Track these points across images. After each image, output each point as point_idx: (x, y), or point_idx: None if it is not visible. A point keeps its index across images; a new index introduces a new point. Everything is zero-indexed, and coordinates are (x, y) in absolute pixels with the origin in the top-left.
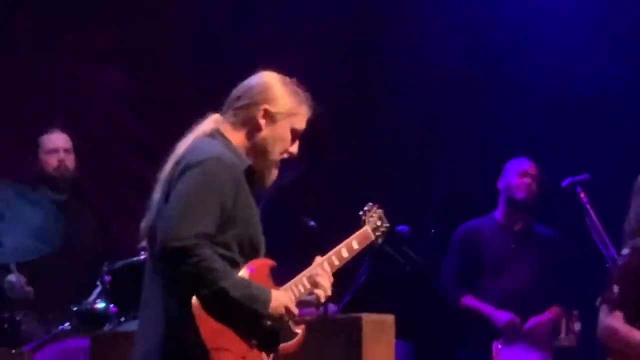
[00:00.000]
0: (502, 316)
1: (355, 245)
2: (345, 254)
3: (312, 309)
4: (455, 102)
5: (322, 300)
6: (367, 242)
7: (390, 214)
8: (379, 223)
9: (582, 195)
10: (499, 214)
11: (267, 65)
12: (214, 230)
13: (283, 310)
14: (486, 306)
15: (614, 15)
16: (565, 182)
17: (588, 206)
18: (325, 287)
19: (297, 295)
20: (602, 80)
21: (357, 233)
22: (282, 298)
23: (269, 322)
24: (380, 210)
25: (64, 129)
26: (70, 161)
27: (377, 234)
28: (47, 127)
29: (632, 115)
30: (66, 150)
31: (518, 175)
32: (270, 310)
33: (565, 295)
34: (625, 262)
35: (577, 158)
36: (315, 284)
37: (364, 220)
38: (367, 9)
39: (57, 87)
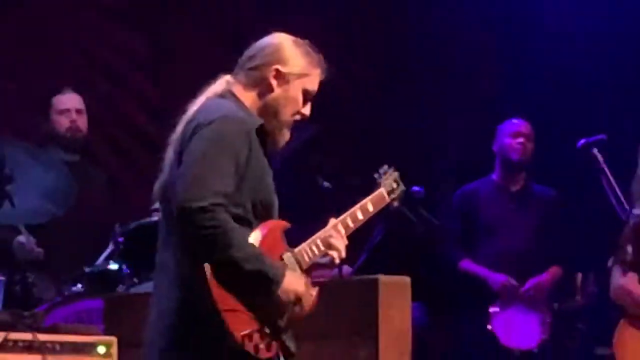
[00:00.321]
0: (497, 278)
1: (370, 208)
2: (360, 216)
3: (327, 271)
4: (471, 66)
5: (337, 262)
6: (382, 204)
7: (405, 176)
8: (394, 186)
9: (598, 155)
10: (496, 175)
11: (283, 26)
12: (231, 189)
13: (292, 297)
14: (482, 269)
15: None
16: (580, 143)
17: (604, 166)
18: (339, 249)
19: (311, 257)
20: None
21: (372, 195)
22: (295, 284)
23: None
24: (395, 173)
25: (76, 89)
26: (82, 122)
27: (392, 196)
28: (59, 88)
29: None
30: (78, 111)
31: (511, 136)
32: (279, 292)
33: (565, 256)
34: (637, 222)
35: (592, 119)
36: (329, 246)
37: (379, 182)
38: None
39: (68, 46)
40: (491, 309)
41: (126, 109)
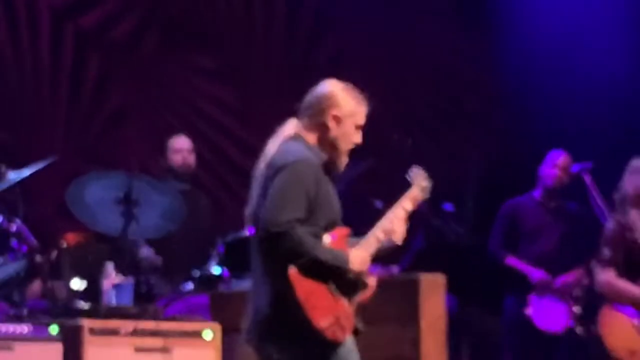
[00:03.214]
0: (536, 274)
1: (408, 206)
2: (401, 213)
3: (379, 269)
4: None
5: (399, 242)
6: (417, 200)
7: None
8: (423, 183)
9: (586, 178)
10: (537, 193)
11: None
12: (303, 215)
13: (360, 264)
14: (524, 265)
15: None
16: (574, 169)
17: (591, 187)
18: (399, 231)
19: (376, 245)
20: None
21: (407, 194)
22: (358, 256)
23: (350, 275)
24: (422, 172)
25: (186, 134)
26: (191, 159)
27: (424, 192)
28: (173, 132)
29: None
30: (188, 151)
31: (551, 167)
32: (351, 265)
33: (584, 260)
34: (611, 227)
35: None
36: (390, 232)
37: (411, 182)
38: None
39: (177, 100)
40: (530, 297)
41: (224, 148)
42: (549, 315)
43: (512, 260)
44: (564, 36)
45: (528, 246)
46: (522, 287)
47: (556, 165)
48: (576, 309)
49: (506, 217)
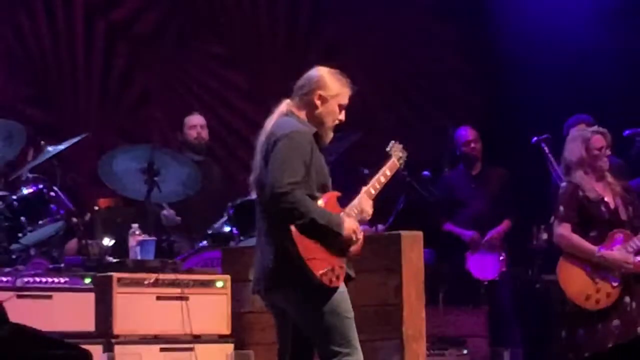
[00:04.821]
0: (467, 234)
1: (388, 172)
2: (382, 179)
3: (367, 226)
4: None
5: (368, 219)
6: (395, 168)
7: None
8: (400, 154)
9: (545, 147)
10: (461, 166)
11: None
12: (301, 178)
13: (352, 232)
14: (458, 228)
15: None
16: (533, 140)
17: (549, 155)
18: (367, 211)
19: (354, 215)
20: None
21: (387, 164)
22: (352, 223)
23: (341, 238)
24: (400, 145)
25: (200, 112)
26: (205, 133)
27: (401, 162)
28: (189, 111)
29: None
30: (202, 126)
31: (460, 145)
32: (344, 232)
33: (513, 213)
34: (563, 190)
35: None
36: (361, 211)
37: (390, 153)
38: None
39: (193, 82)
40: (467, 254)
41: (234, 124)
42: (482, 266)
43: (448, 226)
44: (549, 29)
45: (462, 211)
46: (461, 246)
47: (463, 143)
48: (503, 256)
49: (441, 189)
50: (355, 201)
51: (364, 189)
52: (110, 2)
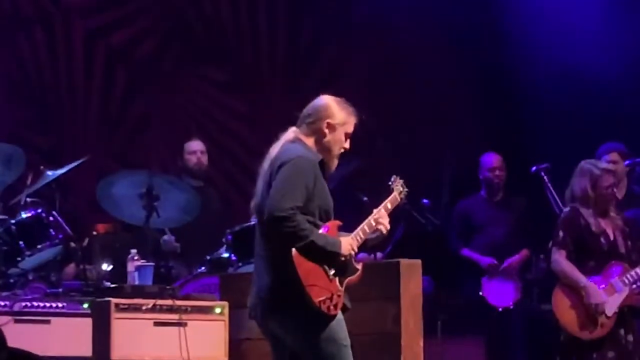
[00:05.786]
0: (485, 260)
1: (389, 206)
2: (389, 207)
3: (366, 255)
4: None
5: (385, 232)
6: (396, 202)
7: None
8: (401, 189)
9: (544, 176)
10: (482, 192)
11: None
12: (302, 204)
13: (350, 250)
14: (476, 254)
15: None
16: (532, 169)
17: (549, 184)
18: (385, 223)
19: (363, 236)
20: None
21: (389, 198)
22: (348, 243)
23: (342, 258)
24: (401, 180)
25: (200, 137)
26: (204, 160)
27: (402, 196)
28: (189, 136)
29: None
30: (202, 152)
31: (485, 171)
32: (342, 251)
33: (532, 243)
34: (565, 216)
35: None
36: (377, 223)
37: (392, 188)
38: None
39: (193, 108)
40: (483, 280)
41: (233, 150)
42: (499, 293)
43: (466, 252)
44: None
45: (479, 237)
46: (477, 272)
47: (488, 169)
48: (520, 285)
49: (459, 215)
50: (366, 221)
51: (374, 212)
52: (110, 26)
